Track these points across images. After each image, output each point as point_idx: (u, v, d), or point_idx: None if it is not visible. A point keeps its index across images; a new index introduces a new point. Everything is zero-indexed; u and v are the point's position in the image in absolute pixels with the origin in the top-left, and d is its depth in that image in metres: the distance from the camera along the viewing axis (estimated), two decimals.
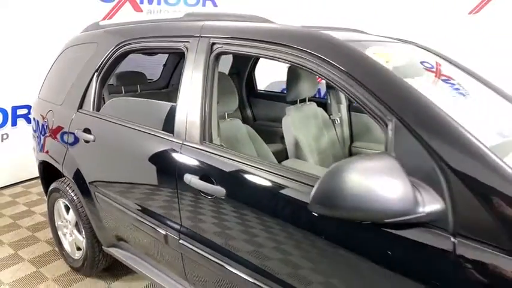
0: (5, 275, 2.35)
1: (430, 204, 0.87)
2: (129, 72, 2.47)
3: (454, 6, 4.34)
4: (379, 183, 0.85)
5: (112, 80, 2.38)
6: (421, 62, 1.55)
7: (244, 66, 3.00)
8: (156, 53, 2.60)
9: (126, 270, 2.30)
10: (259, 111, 3.03)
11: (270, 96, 3.01)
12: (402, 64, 1.27)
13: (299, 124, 2.20)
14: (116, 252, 2.02)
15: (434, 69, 1.49)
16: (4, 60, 3.50)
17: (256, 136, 2.04)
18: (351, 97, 1.07)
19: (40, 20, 3.64)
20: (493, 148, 0.92)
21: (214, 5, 5.06)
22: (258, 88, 3.14)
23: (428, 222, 0.89)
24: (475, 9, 4.25)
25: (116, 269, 2.33)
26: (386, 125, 1.00)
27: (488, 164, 0.87)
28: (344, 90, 1.09)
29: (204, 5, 5.02)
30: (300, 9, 4.63)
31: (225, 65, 3.06)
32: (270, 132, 2.57)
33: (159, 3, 4.79)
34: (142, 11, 4.69)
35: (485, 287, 0.83)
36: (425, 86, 1.20)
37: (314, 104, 2.36)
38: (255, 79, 3.11)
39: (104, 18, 4.26)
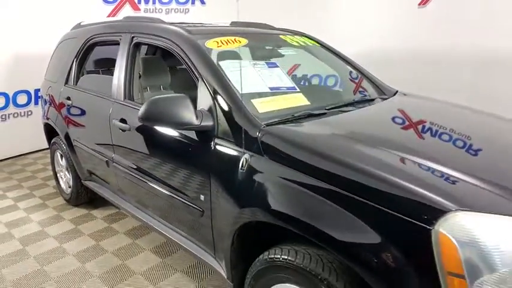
0: (22, 205, 3.32)
1: (205, 121, 1.64)
2: (104, 58, 3.31)
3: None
4: (176, 108, 1.61)
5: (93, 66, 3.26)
6: (275, 47, 2.29)
7: None
8: None
9: (102, 203, 3.18)
10: None
11: None
12: (233, 48, 2.02)
13: None
14: (89, 184, 2.91)
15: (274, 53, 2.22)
16: (27, 52, 4.49)
17: None
18: (186, 66, 1.84)
19: (56, 20, 4.57)
20: (250, 95, 1.68)
21: (202, 3, 5.86)
22: None
23: (206, 131, 1.65)
24: (424, 0, 4.75)
25: (95, 202, 3.22)
26: (198, 81, 1.77)
27: (232, 103, 1.61)
28: (183, 62, 1.86)
29: (193, 3, 5.83)
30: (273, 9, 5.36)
31: None
32: None
33: (154, 2, 5.63)
34: (140, 9, 5.56)
35: (227, 162, 1.58)
36: (238, 63, 1.94)
37: None
38: None
39: (108, 16, 5.20)
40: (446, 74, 4.60)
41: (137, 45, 2.29)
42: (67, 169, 3.15)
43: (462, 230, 1.00)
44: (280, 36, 2.42)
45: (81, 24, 3.04)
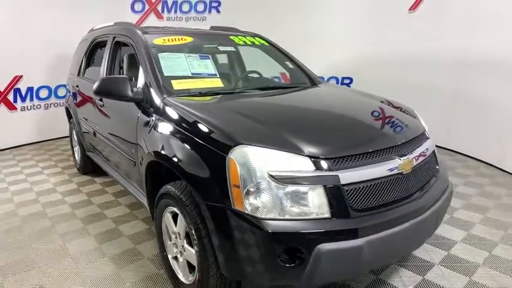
0: (46, 171, 4.20)
1: (138, 95, 2.25)
2: None
3: (396, 4, 5.13)
4: (118, 85, 2.24)
5: None
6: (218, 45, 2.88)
7: None
8: None
9: (105, 173, 3.93)
10: None
11: None
12: (177, 44, 2.61)
13: None
14: (90, 154, 3.67)
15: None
16: (67, 53, 5.46)
17: None
18: (136, 56, 2.48)
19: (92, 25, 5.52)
20: (172, 77, 2.27)
21: (218, 12, 6.56)
22: None
23: (138, 102, 2.27)
24: (413, 6, 5.01)
25: (97, 172, 3.99)
26: (140, 66, 2.39)
27: (154, 81, 2.21)
28: (135, 53, 2.50)
29: (210, 11, 6.55)
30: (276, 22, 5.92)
31: None
32: None
33: (176, 11, 6.45)
34: (163, 18, 6.41)
35: (144, 122, 2.18)
36: (176, 55, 2.53)
37: None
38: None
39: (135, 23, 6.09)
40: (434, 75, 4.79)
41: (117, 44, 2.99)
42: (78, 143, 3.96)
43: (241, 156, 1.51)
44: (230, 36, 2.99)
45: (93, 28, 3.85)
